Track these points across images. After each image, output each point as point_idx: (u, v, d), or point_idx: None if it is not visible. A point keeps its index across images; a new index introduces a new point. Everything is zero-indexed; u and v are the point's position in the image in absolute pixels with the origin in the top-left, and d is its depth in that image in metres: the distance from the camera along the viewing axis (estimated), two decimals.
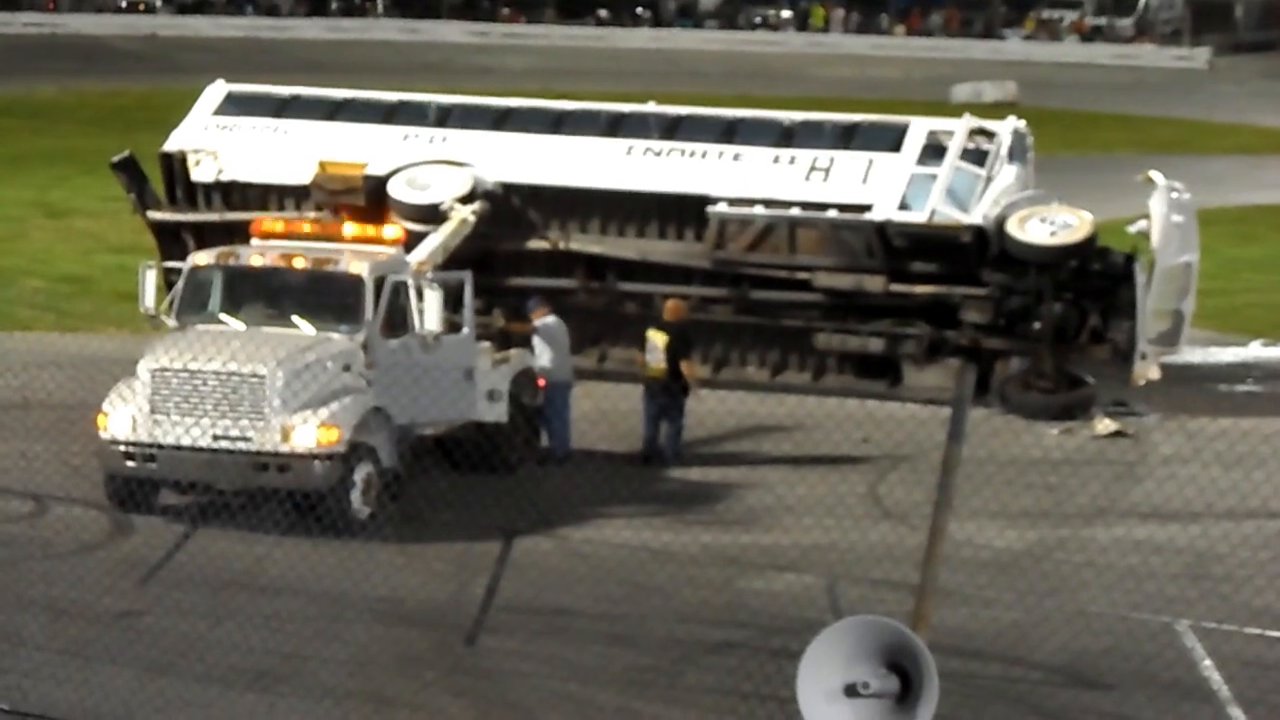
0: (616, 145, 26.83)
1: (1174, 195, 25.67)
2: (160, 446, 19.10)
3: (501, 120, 27.56)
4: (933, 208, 25.43)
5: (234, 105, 28.11)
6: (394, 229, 22.36)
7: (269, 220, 22.38)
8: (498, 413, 21.19)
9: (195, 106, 28.20)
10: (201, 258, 21.22)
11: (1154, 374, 25.45)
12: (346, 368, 19.76)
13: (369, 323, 20.10)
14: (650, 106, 27.96)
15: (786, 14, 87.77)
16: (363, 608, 16.20)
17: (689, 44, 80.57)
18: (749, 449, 23.20)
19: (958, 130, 26.30)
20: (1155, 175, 25.96)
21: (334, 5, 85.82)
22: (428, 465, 20.04)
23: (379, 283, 20.32)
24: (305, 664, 15.01)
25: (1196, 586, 17.64)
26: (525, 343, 22.93)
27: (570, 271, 26.47)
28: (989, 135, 26.42)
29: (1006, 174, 26.10)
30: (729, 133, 26.95)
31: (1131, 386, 25.35)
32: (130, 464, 19.25)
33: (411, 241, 22.52)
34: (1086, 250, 25.15)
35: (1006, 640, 16.15)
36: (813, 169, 26.07)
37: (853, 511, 19.78)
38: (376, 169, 26.14)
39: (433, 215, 24.72)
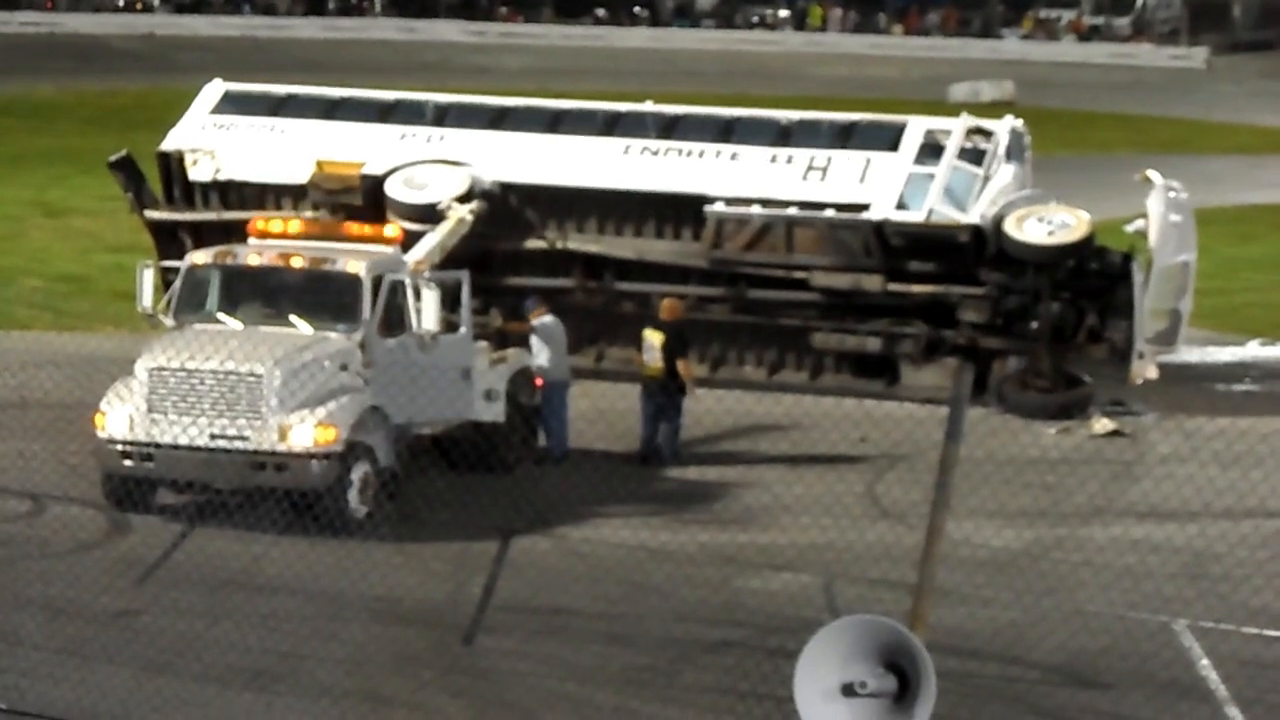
0: (614, 144, 26.83)
1: (1172, 194, 25.68)
2: (158, 446, 19.10)
3: (499, 119, 27.56)
4: (930, 207, 25.43)
5: (231, 104, 28.11)
6: (391, 228, 22.37)
7: (266, 219, 22.39)
8: (495, 412, 21.19)
9: (193, 106, 28.21)
10: (199, 257, 21.22)
11: (1151, 373, 25.45)
12: (344, 367, 19.76)
13: (366, 322, 20.10)
14: (647, 106, 27.96)
15: (784, 13, 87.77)
16: (360, 607, 16.20)
17: (686, 43, 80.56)
18: (746, 448, 23.20)
19: (955, 129, 26.30)
20: (1153, 175, 25.97)
21: (331, 4, 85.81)
22: (425, 464, 20.03)
23: (376, 282, 20.32)
24: (303, 663, 15.00)
25: (1194, 586, 17.63)
26: (523, 342, 22.93)
27: (568, 271, 26.47)
28: (986, 134, 26.43)
29: (1004, 173, 26.10)
30: (726, 132, 26.96)
31: (1129, 386, 25.35)
32: (128, 463, 19.25)
33: (409, 241, 22.52)
34: (1084, 250, 25.15)
35: (1004, 639, 16.15)
36: (810, 168, 26.07)
37: (850, 511, 19.78)
38: (374, 168, 26.14)
39: (430, 214, 24.71)
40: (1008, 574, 18.15)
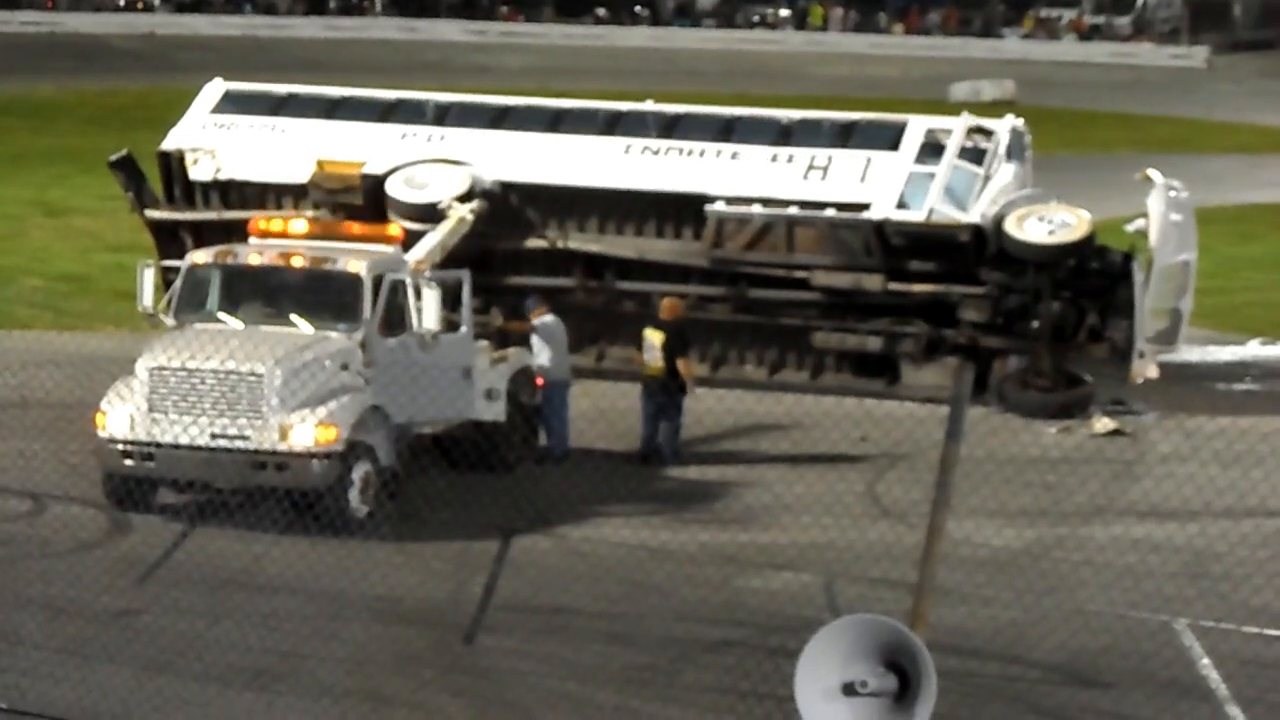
0: (614, 144, 26.83)
1: (1172, 194, 25.68)
2: (158, 445, 19.09)
3: (499, 119, 27.56)
4: (931, 206, 25.43)
5: (232, 104, 28.10)
6: (392, 227, 22.38)
7: (267, 219, 22.39)
8: (496, 411, 21.18)
9: (193, 105, 28.20)
10: (199, 256, 21.22)
11: (1152, 372, 25.45)
12: (344, 366, 19.76)
13: (367, 321, 20.10)
14: (648, 105, 27.95)
15: (785, 12, 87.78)
16: (361, 606, 16.20)
17: (687, 43, 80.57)
18: (747, 447, 23.20)
19: (956, 129, 26.30)
20: (1153, 174, 25.96)
21: (332, 4, 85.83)
22: (426, 464, 20.02)
23: (377, 281, 20.32)
24: (303, 663, 15.00)
25: (1194, 585, 17.63)
26: (523, 341, 22.93)
27: (568, 270, 26.46)
28: (987, 134, 26.42)
29: (1005, 172, 26.10)
30: (727, 131, 26.95)
31: (1129, 385, 25.35)
32: (128, 462, 19.24)
33: (409, 240, 22.52)
34: (1085, 249, 25.15)
35: (1005, 639, 16.15)
36: (811, 167, 26.06)
37: (851, 510, 19.77)
38: (374, 167, 26.13)
39: (431, 214, 24.71)
40: (1008, 573, 18.15)
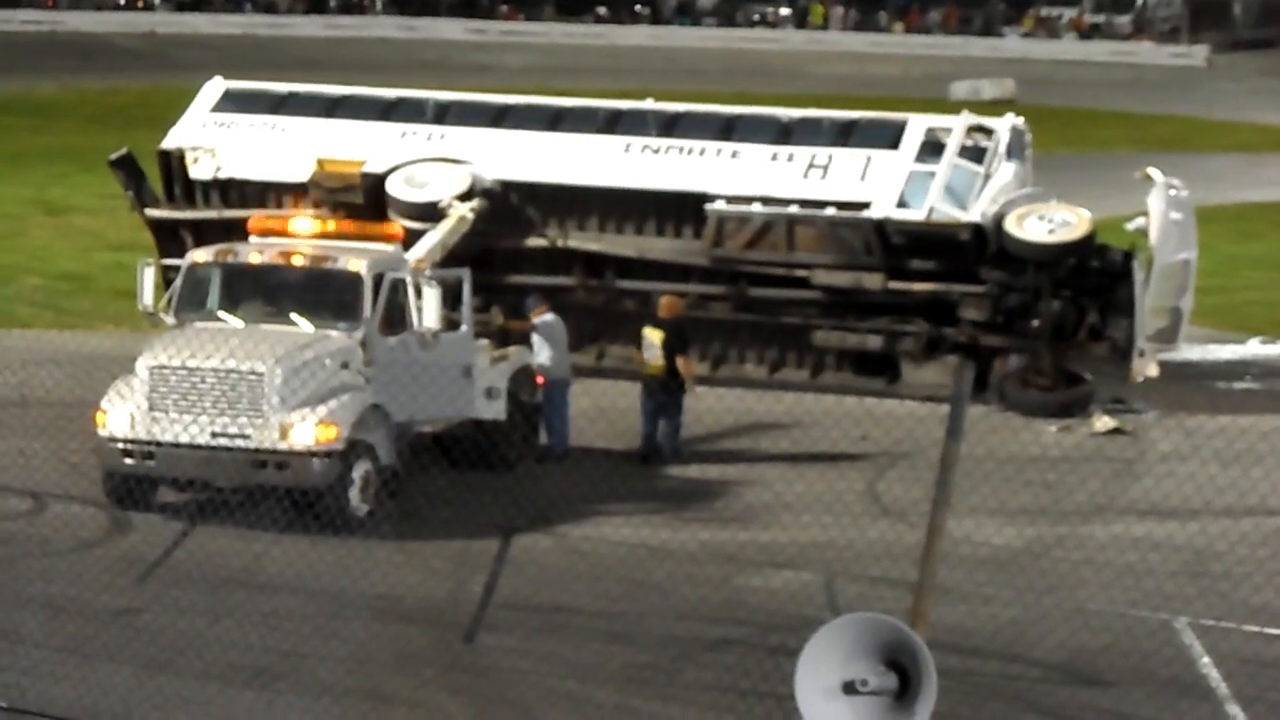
0: (614, 142, 26.82)
1: (1172, 192, 25.68)
2: (159, 444, 19.09)
3: (499, 117, 27.56)
4: (931, 205, 25.43)
5: (232, 102, 28.10)
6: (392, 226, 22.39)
7: (268, 218, 22.41)
8: (496, 410, 21.18)
9: (193, 104, 28.20)
10: (200, 255, 21.22)
11: (1152, 371, 25.45)
12: (345, 365, 19.76)
13: (367, 320, 20.10)
14: (648, 104, 27.95)
15: (785, 11, 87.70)
16: (361, 605, 16.20)
17: (687, 41, 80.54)
18: (747, 446, 23.21)
19: (956, 127, 26.30)
20: (1154, 172, 25.96)
21: (332, 3, 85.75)
22: (426, 463, 20.03)
23: (377, 280, 20.32)
24: (304, 661, 15.00)
25: (1195, 584, 17.63)
26: (524, 340, 22.93)
27: (569, 269, 26.47)
28: (987, 132, 26.42)
29: (1005, 171, 26.10)
30: (727, 130, 26.95)
31: (1130, 384, 25.35)
32: (129, 461, 19.24)
33: (410, 239, 22.52)
34: (1085, 248, 25.15)
35: (1005, 637, 16.15)
36: (811, 166, 26.06)
37: (851, 509, 19.77)
38: (374, 166, 26.13)
39: (431, 213, 24.71)
40: (1008, 572, 18.15)
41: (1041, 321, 25.06)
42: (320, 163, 26.37)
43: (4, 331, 27.57)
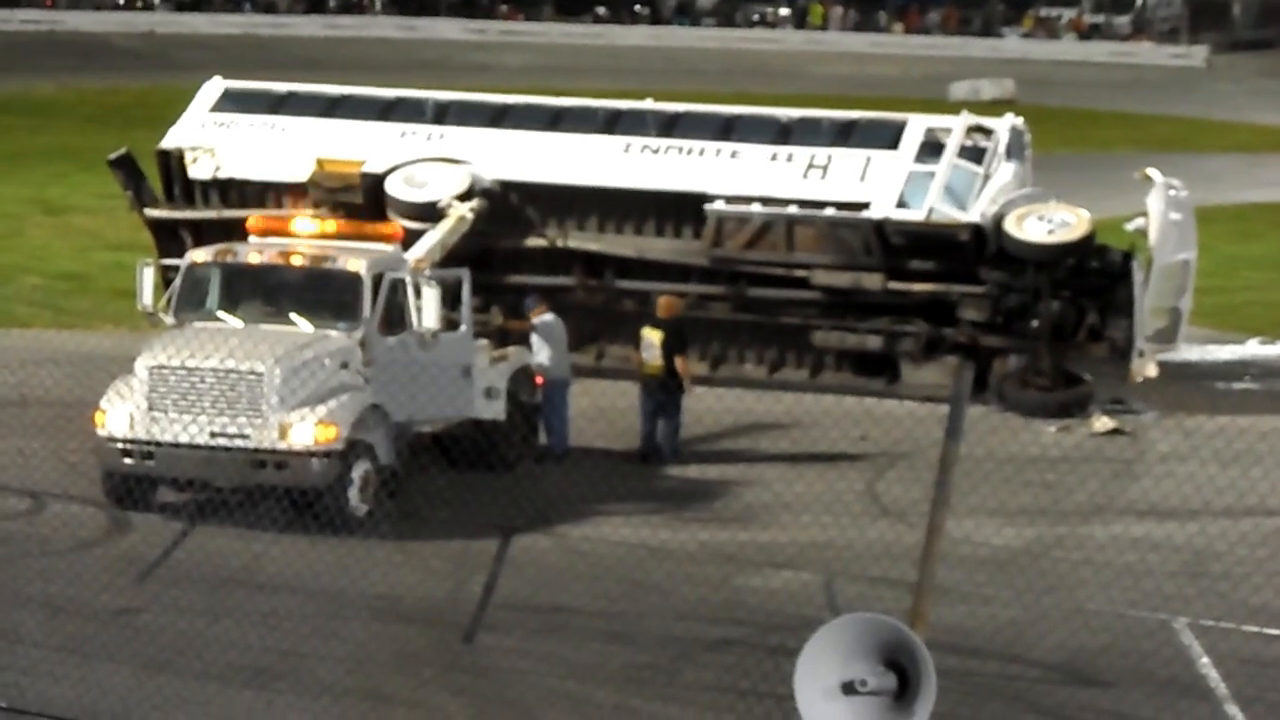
0: (614, 143, 26.82)
1: (1172, 193, 25.68)
2: (158, 444, 19.09)
3: (499, 117, 27.56)
4: (930, 205, 25.43)
5: (231, 102, 28.09)
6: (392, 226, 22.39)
7: (266, 217, 22.40)
8: (495, 410, 21.18)
9: (192, 103, 28.19)
10: (199, 255, 21.22)
11: (1151, 372, 25.45)
12: (344, 365, 19.76)
13: (367, 320, 20.10)
14: (648, 104, 27.94)
15: (784, 11, 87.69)
16: (360, 605, 16.20)
17: (687, 41, 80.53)
18: (747, 446, 23.20)
19: (955, 128, 26.30)
20: (1153, 173, 25.96)
21: (331, 2, 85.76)
22: (425, 463, 20.02)
23: (377, 280, 20.32)
24: (303, 661, 15.00)
25: (1194, 584, 17.63)
26: (523, 340, 22.93)
27: (568, 269, 26.46)
28: (987, 133, 26.42)
29: (1004, 172, 26.10)
30: (726, 130, 26.95)
31: (1129, 384, 25.35)
32: (128, 461, 19.24)
33: (409, 239, 22.52)
34: (1084, 248, 25.14)
35: (1004, 638, 16.15)
36: (810, 166, 26.06)
37: (850, 509, 19.77)
38: (374, 166, 26.12)
39: (430, 213, 24.70)
40: (1008, 572, 18.15)
41: (1041, 322, 25.06)
42: (320, 163, 26.37)
43: (3, 331, 27.59)
